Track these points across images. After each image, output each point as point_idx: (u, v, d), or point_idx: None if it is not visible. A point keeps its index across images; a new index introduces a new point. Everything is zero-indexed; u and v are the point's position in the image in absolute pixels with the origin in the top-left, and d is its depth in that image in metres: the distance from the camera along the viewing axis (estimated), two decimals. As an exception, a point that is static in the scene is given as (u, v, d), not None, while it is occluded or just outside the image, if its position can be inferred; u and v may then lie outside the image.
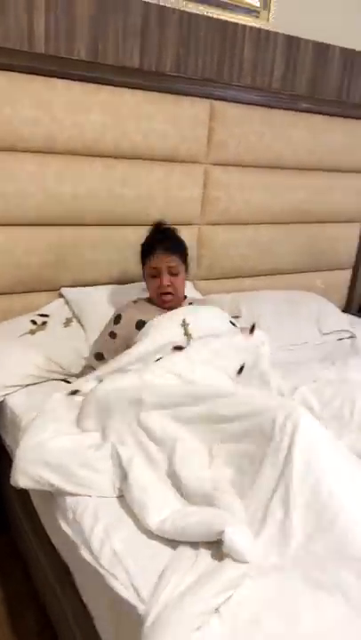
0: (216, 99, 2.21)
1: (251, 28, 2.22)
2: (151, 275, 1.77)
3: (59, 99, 1.86)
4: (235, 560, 1.01)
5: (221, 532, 1.03)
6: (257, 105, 2.32)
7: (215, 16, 2.16)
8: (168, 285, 1.75)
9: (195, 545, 1.08)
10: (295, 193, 2.57)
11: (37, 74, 1.81)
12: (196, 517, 1.11)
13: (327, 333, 2.44)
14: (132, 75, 2.00)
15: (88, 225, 2.08)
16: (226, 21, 2.15)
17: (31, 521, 1.56)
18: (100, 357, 1.78)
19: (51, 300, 2.09)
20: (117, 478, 1.29)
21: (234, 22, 2.18)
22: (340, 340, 2.45)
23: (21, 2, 1.73)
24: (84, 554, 1.15)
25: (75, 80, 1.89)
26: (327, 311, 2.55)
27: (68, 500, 1.29)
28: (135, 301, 1.87)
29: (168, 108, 2.10)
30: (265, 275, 2.65)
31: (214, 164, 2.31)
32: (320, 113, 2.50)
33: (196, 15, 2.09)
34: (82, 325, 1.98)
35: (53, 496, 1.34)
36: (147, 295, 1.88)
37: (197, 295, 2.24)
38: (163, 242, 1.78)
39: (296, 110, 2.43)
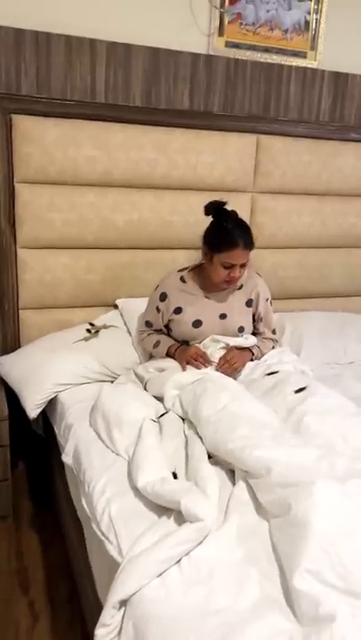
0: (262, 133, 2.41)
1: (297, 67, 2.41)
2: (224, 265, 1.84)
3: (115, 139, 2.17)
4: (191, 522, 1.16)
5: (178, 502, 1.20)
6: (304, 137, 2.48)
7: (262, 60, 2.37)
8: (237, 276, 1.87)
9: (170, 512, 1.25)
10: (346, 218, 2.66)
11: (98, 119, 2.14)
12: (168, 487, 1.28)
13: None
14: (182, 116, 2.26)
15: (141, 248, 2.34)
16: (271, 63, 2.36)
17: (66, 498, 1.80)
18: (149, 325, 2.08)
19: (107, 312, 2.36)
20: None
21: (279, 64, 2.38)
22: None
23: (85, 61, 2.08)
24: (92, 521, 1.36)
25: (130, 123, 2.18)
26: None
27: (87, 476, 1.51)
28: (182, 278, 1.99)
29: (215, 143, 2.33)
30: (316, 297, 2.74)
31: (260, 192, 2.48)
32: (369, 141, 2.59)
33: (243, 60, 2.32)
34: (130, 332, 2.22)
35: (79, 473, 1.57)
36: (197, 264, 2.01)
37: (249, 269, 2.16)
38: (244, 238, 1.82)
39: (344, 140, 2.55)
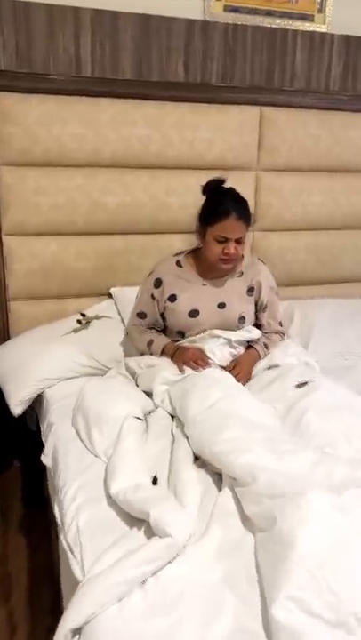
0: (266, 105, 2.22)
1: (303, 32, 2.21)
2: (217, 240, 1.68)
3: (103, 115, 2.01)
4: (160, 537, 1.01)
5: (148, 513, 1.04)
6: (312, 108, 2.28)
7: (265, 25, 2.17)
8: (233, 252, 1.69)
9: (142, 523, 1.11)
10: (360, 196, 2.45)
11: (84, 95, 1.99)
12: (140, 495, 1.14)
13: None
14: (176, 88, 2.09)
15: (135, 233, 2.19)
16: (274, 28, 2.17)
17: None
18: (143, 316, 1.87)
19: (102, 302, 2.22)
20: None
21: (284, 28, 2.18)
22: None
23: (68, 31, 1.92)
24: (60, 531, 1.23)
25: (119, 97, 2.03)
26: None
27: (61, 480, 1.38)
28: (178, 262, 1.83)
29: (214, 117, 2.15)
30: (327, 283, 2.54)
31: (266, 170, 2.30)
32: (386, 111, 2.37)
33: (243, 26, 2.13)
34: (123, 322, 2.07)
35: (55, 475, 1.44)
36: (194, 248, 1.84)
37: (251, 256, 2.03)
38: (237, 208, 1.67)
39: (357, 111, 2.34)
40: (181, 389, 1.58)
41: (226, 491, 1.22)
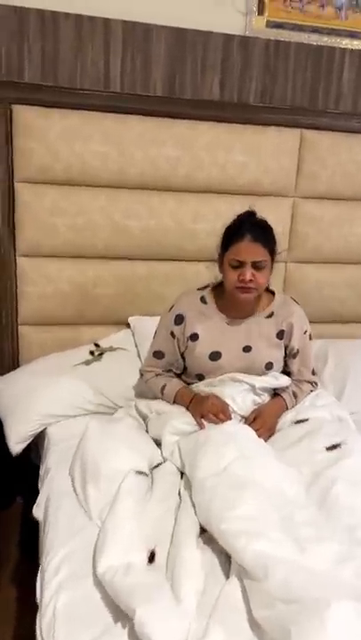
0: (307, 127, 2.04)
1: (352, 50, 2.03)
2: (232, 265, 1.51)
3: (130, 133, 1.88)
4: None
5: (134, 611, 0.85)
6: (359, 132, 2.09)
7: (310, 42, 2.01)
8: (250, 281, 1.49)
9: (127, 617, 0.91)
10: None
11: (111, 111, 1.86)
12: (129, 581, 0.95)
13: None
14: (210, 107, 1.94)
15: (159, 259, 2.03)
16: (320, 46, 2.00)
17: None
18: (160, 356, 1.66)
19: (119, 332, 2.06)
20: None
21: (330, 46, 2.01)
22: None
23: (97, 43, 1.80)
24: (37, 611, 1.05)
25: (148, 115, 1.89)
26: None
27: (47, 542, 1.21)
28: (203, 298, 1.64)
29: (250, 138, 1.99)
30: (369, 322, 2.31)
31: (304, 197, 2.11)
32: None
33: (285, 42, 1.97)
34: (140, 356, 1.90)
35: (43, 535, 1.27)
36: (219, 282, 1.64)
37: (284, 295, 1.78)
38: (252, 230, 1.51)
39: None
40: (194, 442, 1.39)
41: (233, 579, 1.02)
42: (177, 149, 1.93)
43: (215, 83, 1.95)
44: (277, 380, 1.60)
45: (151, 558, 1.09)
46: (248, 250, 1.48)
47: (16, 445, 1.71)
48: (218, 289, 1.66)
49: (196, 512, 1.19)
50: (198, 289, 1.69)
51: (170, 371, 1.69)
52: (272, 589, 0.92)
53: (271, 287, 1.67)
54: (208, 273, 1.93)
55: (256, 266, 1.49)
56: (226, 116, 1.96)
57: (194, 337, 1.61)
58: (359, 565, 0.97)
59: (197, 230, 2.01)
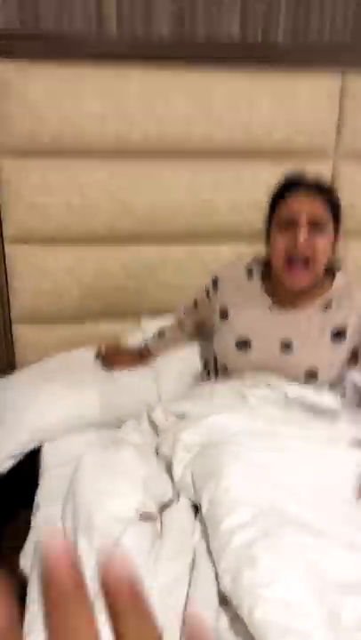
0: (351, 70, 1.65)
1: None
2: (281, 226, 1.20)
3: (131, 88, 1.54)
4: None
5: None
6: None
7: None
8: (304, 243, 1.16)
9: None
10: None
11: (107, 59, 1.52)
12: None
13: None
14: (229, 50, 1.58)
15: (170, 243, 1.72)
16: None
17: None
18: (189, 306, 1.54)
19: (127, 329, 1.77)
20: None
21: None
22: None
23: (85, -23, 1.46)
24: None
25: (153, 63, 1.54)
26: None
27: (29, 612, 0.95)
28: (250, 271, 1.34)
29: (279, 88, 1.62)
30: None
31: (347, 158, 1.74)
32: None
33: None
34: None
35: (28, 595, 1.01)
36: (266, 259, 1.32)
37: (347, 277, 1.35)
38: (308, 184, 1.22)
39: None
40: (213, 461, 1.09)
41: None
42: (189, 106, 1.58)
43: (234, 21, 1.58)
44: (321, 397, 1.25)
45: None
46: (303, 203, 1.18)
47: (3, 462, 1.44)
48: (268, 267, 1.34)
49: (217, 576, 0.91)
50: (246, 269, 1.37)
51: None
52: None
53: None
54: (231, 256, 1.61)
55: (315, 224, 1.17)
56: (248, 62, 1.59)
57: (223, 314, 1.34)
58: None
59: (217, 203, 1.68)
